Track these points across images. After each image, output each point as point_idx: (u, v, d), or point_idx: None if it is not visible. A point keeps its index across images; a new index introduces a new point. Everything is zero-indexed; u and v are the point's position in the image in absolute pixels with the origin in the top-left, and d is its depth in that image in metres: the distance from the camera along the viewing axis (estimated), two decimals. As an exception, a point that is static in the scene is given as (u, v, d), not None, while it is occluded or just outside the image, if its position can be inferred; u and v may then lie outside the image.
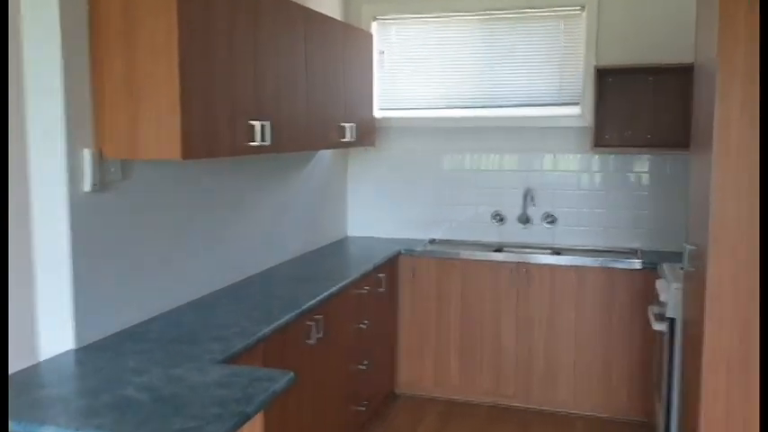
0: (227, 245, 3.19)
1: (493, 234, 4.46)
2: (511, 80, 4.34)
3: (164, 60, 2.24)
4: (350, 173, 4.70)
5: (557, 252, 4.17)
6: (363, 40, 4.08)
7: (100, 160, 2.34)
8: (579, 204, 4.29)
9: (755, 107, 2.24)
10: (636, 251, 4.11)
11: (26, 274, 2.25)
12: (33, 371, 2.11)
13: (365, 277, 3.56)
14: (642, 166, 4.16)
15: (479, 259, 4.04)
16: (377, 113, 4.55)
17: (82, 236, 2.29)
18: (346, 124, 3.79)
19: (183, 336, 2.44)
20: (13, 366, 2.12)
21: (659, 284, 3.32)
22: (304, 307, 2.82)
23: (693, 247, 2.63)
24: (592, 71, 4.10)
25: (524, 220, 4.37)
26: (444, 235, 4.55)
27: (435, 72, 4.47)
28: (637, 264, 3.77)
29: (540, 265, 3.95)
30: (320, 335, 2.98)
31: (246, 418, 1.79)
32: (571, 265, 3.90)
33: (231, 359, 2.26)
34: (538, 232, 4.38)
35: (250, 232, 3.40)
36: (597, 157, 4.23)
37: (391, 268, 4.05)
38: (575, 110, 4.24)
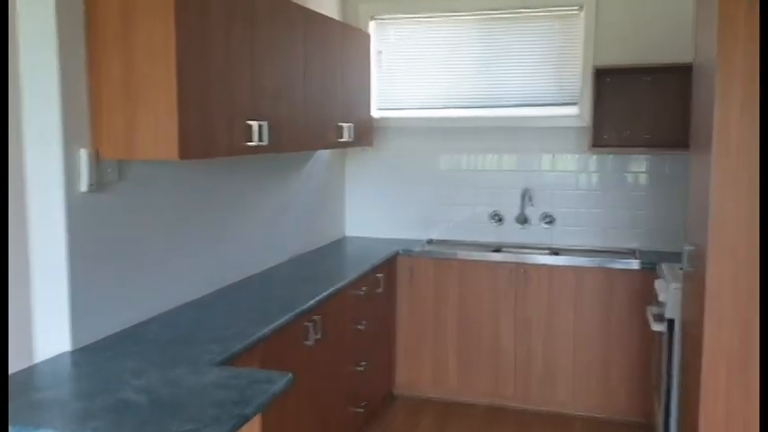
0: (224, 245, 3.18)
1: (491, 234, 4.45)
2: (509, 80, 4.34)
3: (161, 63, 2.23)
4: (348, 173, 4.69)
5: (555, 252, 4.16)
6: (361, 40, 4.07)
7: (96, 160, 2.32)
8: (577, 204, 4.28)
9: (755, 107, 2.23)
10: (634, 251, 4.10)
11: (22, 275, 2.23)
12: (29, 373, 2.09)
13: (363, 278, 3.55)
14: (641, 166, 4.16)
15: (477, 259, 4.03)
16: (375, 113, 4.54)
17: (78, 236, 2.27)
18: (344, 124, 3.78)
19: (180, 337, 2.43)
20: (10, 368, 2.10)
21: (658, 285, 3.31)
22: (302, 308, 2.80)
23: (693, 248, 2.62)
24: (590, 71, 4.09)
25: (522, 220, 4.36)
26: (442, 235, 4.54)
27: (433, 72, 4.46)
28: (635, 264, 3.77)
29: (538, 265, 3.94)
30: (318, 336, 2.96)
31: (245, 420, 1.77)
32: (569, 266, 3.89)
33: (229, 360, 2.25)
34: (536, 232, 4.37)
35: (248, 232, 3.39)
36: (595, 157, 4.23)
37: (389, 269, 4.04)
38: (573, 110, 4.24)
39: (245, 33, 2.69)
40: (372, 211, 4.65)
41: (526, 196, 4.34)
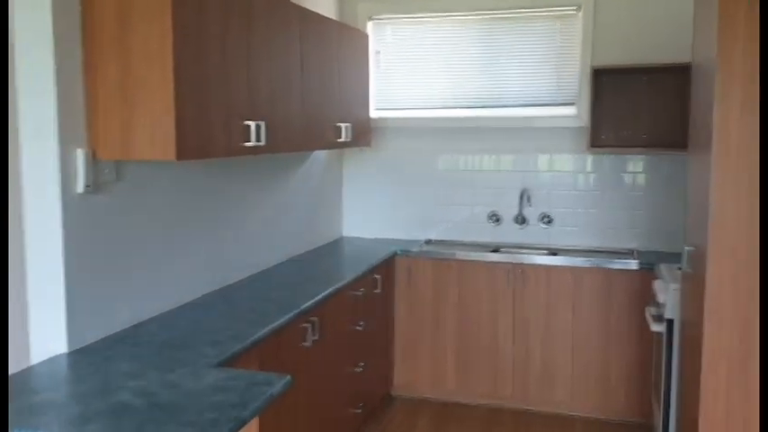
0: (221, 246, 3.16)
1: (489, 234, 4.44)
2: (507, 80, 4.33)
3: (158, 63, 2.22)
4: (345, 173, 4.68)
5: (553, 253, 4.15)
6: (359, 40, 4.06)
7: (93, 161, 2.31)
8: (575, 205, 4.28)
9: (755, 107, 2.23)
10: (632, 252, 4.10)
11: (18, 276, 2.22)
12: (25, 375, 2.07)
13: (361, 278, 3.54)
14: (639, 166, 4.15)
15: (475, 260, 4.02)
16: (373, 114, 4.53)
17: (75, 238, 2.26)
18: (342, 124, 3.77)
19: (177, 339, 2.41)
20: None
21: (657, 285, 3.30)
22: (299, 309, 2.79)
23: (692, 248, 2.61)
24: (588, 71, 4.09)
25: (520, 220, 4.36)
26: (440, 235, 4.53)
27: (431, 72, 4.45)
28: (633, 264, 3.76)
29: (536, 265, 3.93)
30: (316, 337, 2.95)
31: (242, 423, 1.76)
32: (567, 266, 3.88)
33: (227, 362, 2.23)
34: (534, 233, 4.36)
35: (244, 233, 3.38)
36: (594, 157, 4.22)
37: (387, 269, 4.03)
38: (571, 110, 4.23)
39: (241, 32, 2.68)
40: (370, 211, 4.64)
41: (524, 196, 4.33)
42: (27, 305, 2.25)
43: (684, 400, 2.78)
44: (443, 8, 4.35)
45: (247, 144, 2.71)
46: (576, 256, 3.94)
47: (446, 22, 4.39)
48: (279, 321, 2.61)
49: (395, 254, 4.12)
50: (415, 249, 4.15)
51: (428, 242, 4.48)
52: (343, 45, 3.77)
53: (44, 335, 2.24)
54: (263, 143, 2.80)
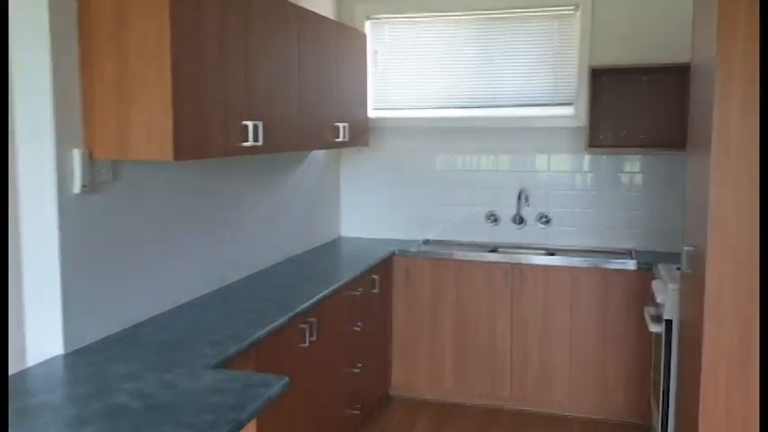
0: (219, 246, 3.15)
1: (487, 234, 4.43)
2: (505, 80, 4.32)
3: (155, 63, 2.20)
4: (343, 173, 4.66)
5: (551, 253, 4.15)
6: (357, 40, 4.05)
7: (90, 161, 2.29)
8: (573, 205, 4.27)
9: (755, 107, 2.22)
10: (630, 252, 4.09)
11: (14, 277, 2.20)
12: (21, 377, 2.06)
13: (359, 278, 3.52)
14: (636, 166, 4.15)
15: (473, 260, 4.01)
16: (370, 113, 4.52)
17: (71, 238, 2.24)
18: (340, 124, 3.76)
19: (175, 339, 2.40)
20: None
21: (655, 285, 3.30)
22: (297, 309, 2.78)
23: (692, 248, 2.61)
24: (586, 71, 4.08)
25: (518, 220, 4.35)
26: (438, 235, 4.52)
27: (429, 72, 4.44)
28: (631, 264, 3.75)
29: (534, 265, 3.92)
30: (314, 338, 2.94)
31: (240, 425, 1.75)
32: (565, 266, 3.87)
33: (224, 363, 2.22)
34: (532, 233, 4.36)
35: (242, 233, 3.36)
36: (591, 157, 4.21)
37: (385, 269, 4.01)
38: (569, 110, 4.23)
39: (239, 31, 2.66)
40: (368, 211, 4.63)
41: (522, 196, 4.32)
42: (23, 306, 2.23)
43: (684, 400, 2.78)
44: (442, 8, 4.34)
45: (245, 144, 2.69)
46: (574, 256, 3.94)
47: (444, 22, 4.38)
48: (277, 322, 2.60)
49: (393, 254, 4.11)
50: (412, 249, 4.15)
51: (426, 242, 4.47)
52: (340, 45, 3.76)
53: (40, 336, 2.23)
54: (260, 143, 2.79)
